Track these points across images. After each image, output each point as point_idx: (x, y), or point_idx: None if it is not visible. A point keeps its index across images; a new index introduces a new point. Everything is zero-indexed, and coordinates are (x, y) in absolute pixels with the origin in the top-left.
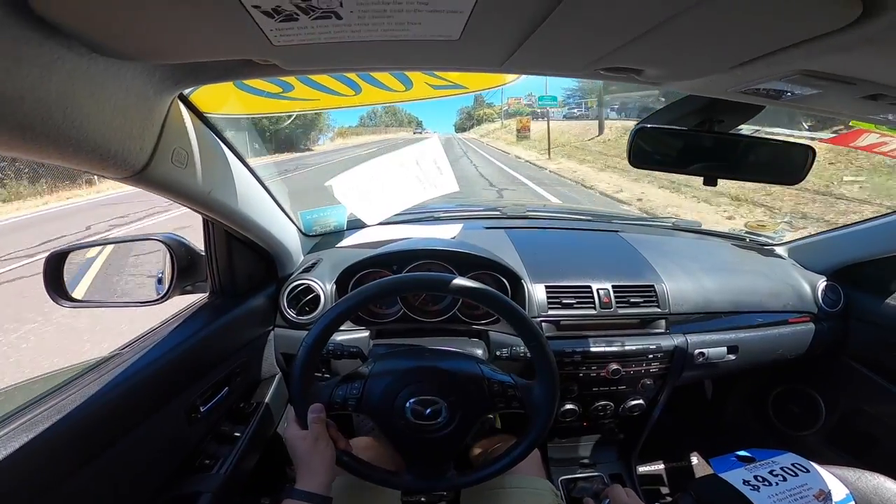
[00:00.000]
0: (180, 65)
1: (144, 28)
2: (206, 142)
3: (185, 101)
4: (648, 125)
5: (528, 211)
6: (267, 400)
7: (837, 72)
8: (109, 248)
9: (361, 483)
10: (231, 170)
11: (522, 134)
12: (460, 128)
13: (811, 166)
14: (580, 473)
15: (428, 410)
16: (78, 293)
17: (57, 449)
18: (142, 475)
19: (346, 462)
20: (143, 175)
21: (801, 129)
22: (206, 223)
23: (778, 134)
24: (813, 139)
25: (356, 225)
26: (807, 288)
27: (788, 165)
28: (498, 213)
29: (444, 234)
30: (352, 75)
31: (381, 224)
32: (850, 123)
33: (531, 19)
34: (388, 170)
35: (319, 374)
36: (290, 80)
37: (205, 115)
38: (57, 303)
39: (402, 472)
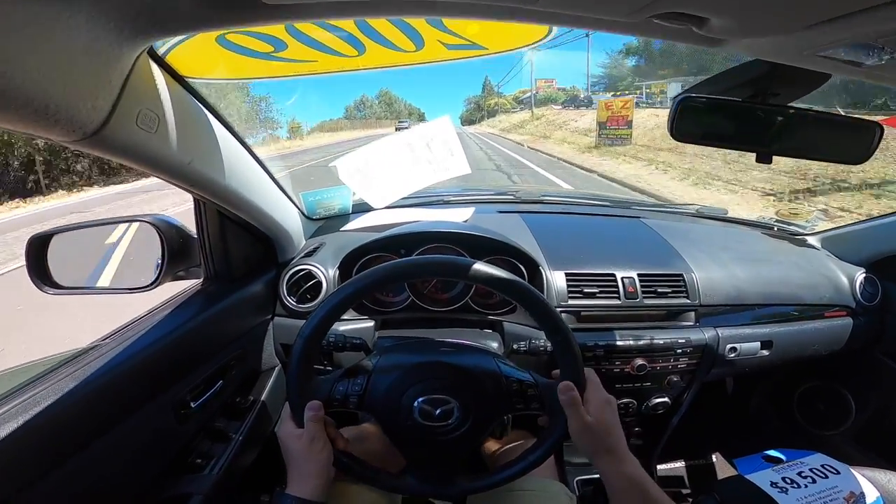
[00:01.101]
0: (142, 11)
1: None
2: (184, 107)
3: (158, 60)
4: (694, 94)
5: (544, 196)
6: (265, 394)
7: None
8: (132, 231)
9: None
10: (218, 141)
11: (613, 131)
12: (468, 120)
13: (877, 145)
14: (596, 474)
15: (438, 411)
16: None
17: (23, 449)
18: (124, 477)
19: (346, 464)
20: (96, 138)
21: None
22: (196, 202)
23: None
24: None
25: (362, 208)
26: (844, 280)
27: (853, 144)
28: (511, 197)
29: (455, 217)
30: (355, 30)
31: (388, 207)
32: None
33: None
34: (396, 151)
35: (320, 368)
36: (283, 35)
37: (185, 78)
38: (40, 289)
39: (407, 476)
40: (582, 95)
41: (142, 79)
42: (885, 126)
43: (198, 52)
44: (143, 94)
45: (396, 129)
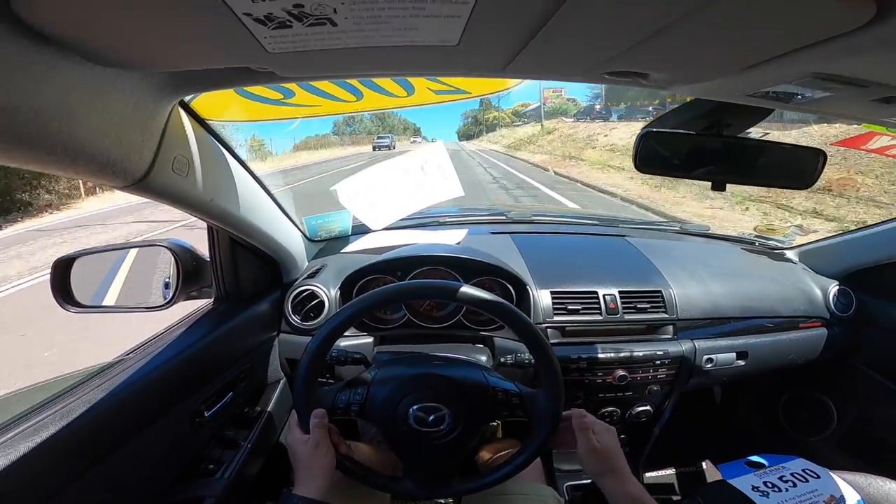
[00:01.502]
0: (178, 72)
1: (136, 36)
2: (207, 149)
3: (185, 107)
4: (654, 129)
5: (534, 216)
6: (271, 405)
7: (849, 74)
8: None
9: (358, 488)
10: (233, 176)
11: None
12: (465, 135)
13: (822, 170)
14: (585, 479)
15: (431, 417)
16: (109, 299)
17: (60, 453)
18: (146, 479)
19: (347, 467)
20: (143, 184)
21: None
22: (210, 229)
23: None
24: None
25: (361, 230)
26: (818, 292)
27: (799, 169)
28: (503, 217)
29: (449, 239)
30: (353, 81)
31: (385, 229)
32: (862, 125)
33: (531, 24)
34: (393, 174)
35: (323, 380)
36: (291, 86)
37: (206, 121)
38: (64, 308)
39: (403, 478)
40: (598, 106)
41: (175, 128)
42: (841, 147)
43: (218, 98)
44: (177, 141)
45: (374, 148)
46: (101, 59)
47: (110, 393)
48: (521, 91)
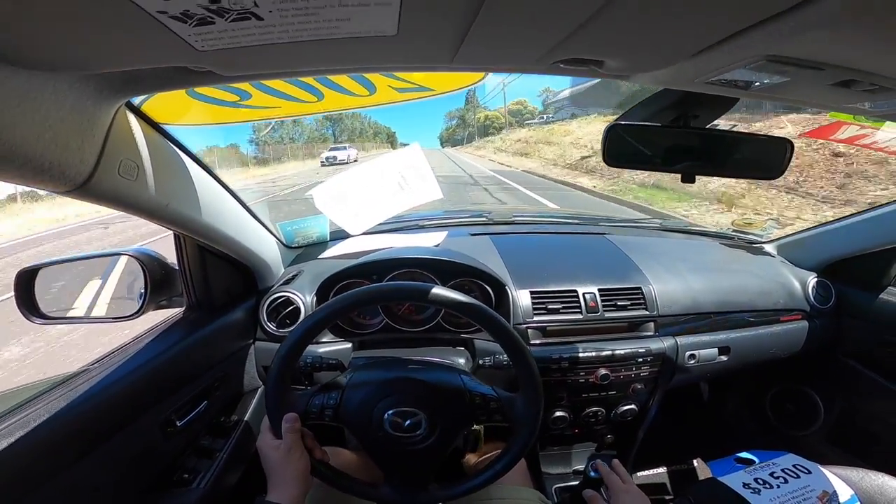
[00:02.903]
0: (116, 74)
1: (58, 40)
2: (160, 152)
3: (135, 111)
4: (622, 122)
5: (515, 216)
6: (248, 414)
7: (803, 56)
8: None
9: (339, 495)
10: (193, 181)
11: None
12: (448, 140)
13: (790, 160)
14: (574, 482)
15: (407, 422)
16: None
17: (20, 464)
18: (114, 489)
19: (323, 473)
20: (85, 188)
21: None
22: (176, 236)
23: None
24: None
25: (340, 235)
26: (797, 285)
27: (767, 160)
28: (484, 219)
29: (427, 242)
30: (311, 81)
31: (365, 234)
32: (829, 115)
33: (465, 10)
34: (370, 179)
35: (302, 388)
36: (247, 87)
37: (160, 125)
38: (29, 319)
39: (381, 485)
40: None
41: (121, 131)
42: (809, 138)
43: (170, 102)
44: (123, 145)
45: (324, 161)
46: (27, 63)
47: (73, 402)
48: (519, 86)
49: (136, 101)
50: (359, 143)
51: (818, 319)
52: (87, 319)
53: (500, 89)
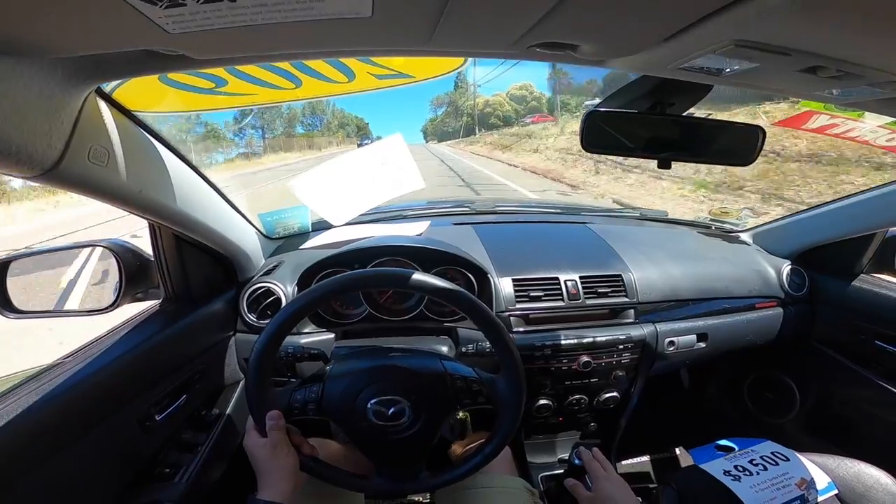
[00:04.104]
0: (86, 59)
1: (21, 23)
2: (132, 140)
3: (106, 98)
4: (600, 109)
5: (498, 205)
6: (230, 407)
7: (770, 41)
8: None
9: (330, 488)
10: (167, 169)
11: None
12: (436, 132)
13: (762, 147)
14: (559, 470)
15: (391, 410)
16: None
17: None
18: (91, 485)
19: (312, 467)
20: (53, 174)
21: None
22: (151, 227)
23: None
24: None
25: (322, 226)
26: (772, 273)
27: (740, 147)
28: (467, 209)
29: (410, 231)
30: (289, 67)
31: (347, 224)
32: (800, 104)
33: None
34: (351, 168)
35: (284, 379)
36: (222, 74)
37: (133, 112)
38: (1, 314)
39: (370, 476)
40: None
41: (91, 117)
42: (783, 127)
43: (144, 89)
44: (94, 131)
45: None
46: None
47: (47, 396)
48: (522, 69)
49: (109, 87)
50: (306, 139)
51: (792, 307)
52: (59, 313)
53: (500, 73)
